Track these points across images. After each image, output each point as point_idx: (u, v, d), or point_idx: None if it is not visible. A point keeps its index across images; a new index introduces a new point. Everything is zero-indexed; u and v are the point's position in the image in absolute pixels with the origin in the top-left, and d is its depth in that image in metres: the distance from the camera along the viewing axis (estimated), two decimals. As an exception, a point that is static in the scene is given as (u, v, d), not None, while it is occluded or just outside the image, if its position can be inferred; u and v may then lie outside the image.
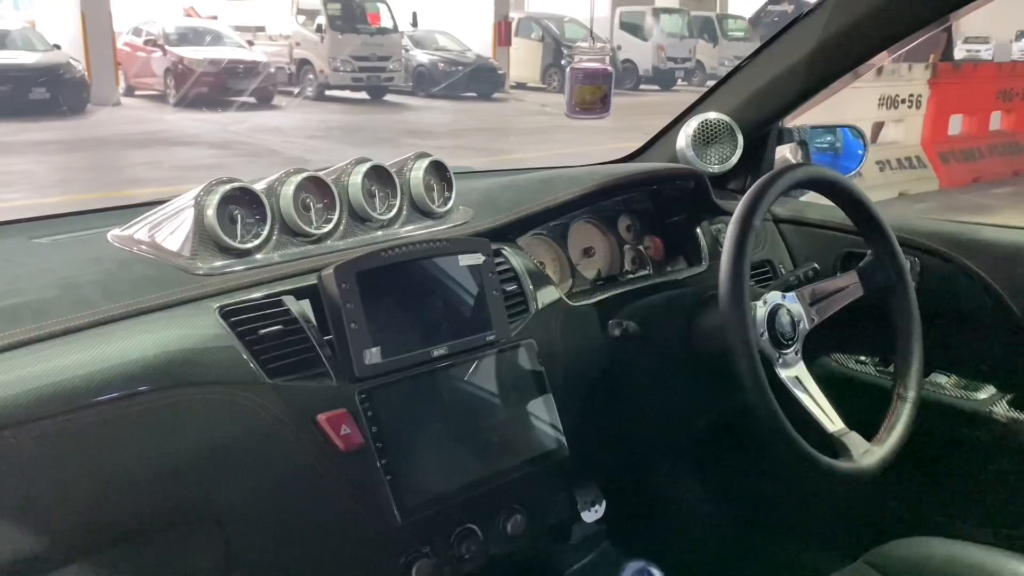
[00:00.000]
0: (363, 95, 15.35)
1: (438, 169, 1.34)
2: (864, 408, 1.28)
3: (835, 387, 1.58)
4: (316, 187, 1.19)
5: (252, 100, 13.44)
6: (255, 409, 0.98)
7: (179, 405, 0.94)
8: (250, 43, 15.18)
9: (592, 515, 1.67)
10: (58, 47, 12.20)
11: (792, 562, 1.76)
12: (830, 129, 1.90)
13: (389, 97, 15.49)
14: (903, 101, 8.00)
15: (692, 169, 1.56)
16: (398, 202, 1.27)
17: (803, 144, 1.79)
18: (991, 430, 1.46)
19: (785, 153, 1.82)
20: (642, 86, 19.14)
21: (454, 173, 1.37)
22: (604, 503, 1.64)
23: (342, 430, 1.02)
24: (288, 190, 1.15)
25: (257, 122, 11.93)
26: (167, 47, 13.54)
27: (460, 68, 16.18)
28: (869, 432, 1.26)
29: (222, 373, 0.97)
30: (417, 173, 1.30)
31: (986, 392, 1.49)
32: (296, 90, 14.89)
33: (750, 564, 1.79)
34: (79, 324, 0.95)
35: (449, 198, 1.34)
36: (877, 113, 7.95)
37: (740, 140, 1.67)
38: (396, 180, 1.27)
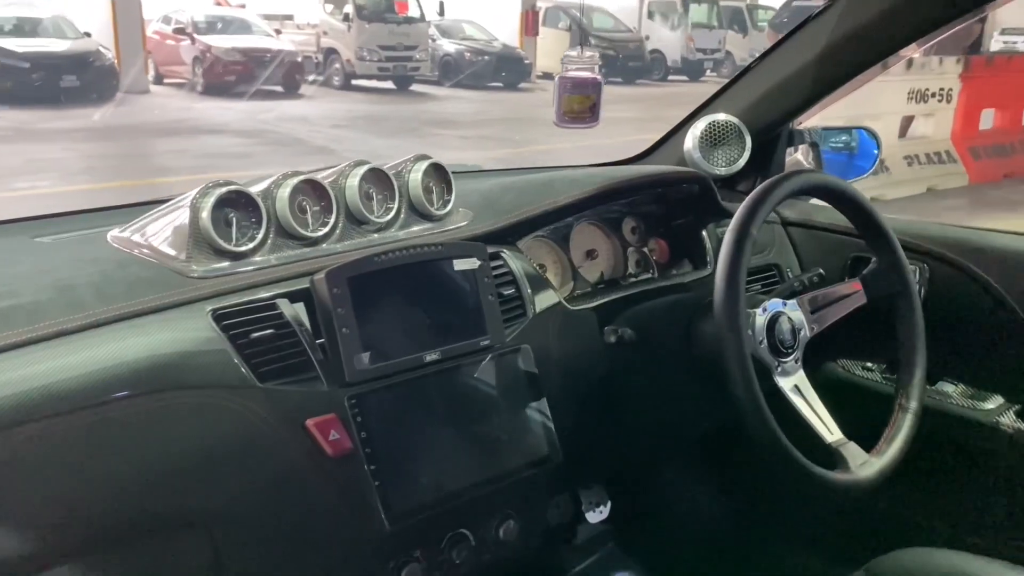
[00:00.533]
0: (389, 84, 15.38)
1: (437, 171, 1.33)
2: (869, 416, 1.26)
3: (840, 394, 1.56)
4: (313, 190, 1.19)
5: (279, 89, 13.53)
6: (245, 413, 0.98)
7: (169, 408, 0.94)
8: (278, 32, 15.26)
9: (597, 516, 1.67)
10: (88, 35, 12.34)
11: (795, 569, 1.74)
12: (844, 130, 1.88)
13: (415, 87, 15.51)
14: (933, 95, 7.87)
15: (696, 173, 1.54)
16: (396, 204, 1.27)
17: (814, 146, 1.77)
18: (997, 440, 1.43)
19: (797, 155, 1.80)
20: (671, 77, 19.02)
21: (454, 173, 1.36)
22: (609, 504, 1.64)
23: (331, 435, 1.02)
24: (284, 193, 1.15)
25: (284, 111, 12.00)
26: (195, 35, 13.65)
27: (486, 58, 16.16)
28: (873, 440, 1.24)
29: (213, 377, 0.98)
30: (416, 175, 1.30)
31: (993, 402, 1.47)
32: (313, 77, 14.88)
33: (753, 569, 1.78)
34: (71, 327, 0.96)
35: (448, 201, 1.33)
36: (906, 107, 7.84)
37: (748, 142, 1.65)
38: (394, 183, 1.27)
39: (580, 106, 1.44)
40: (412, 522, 1.09)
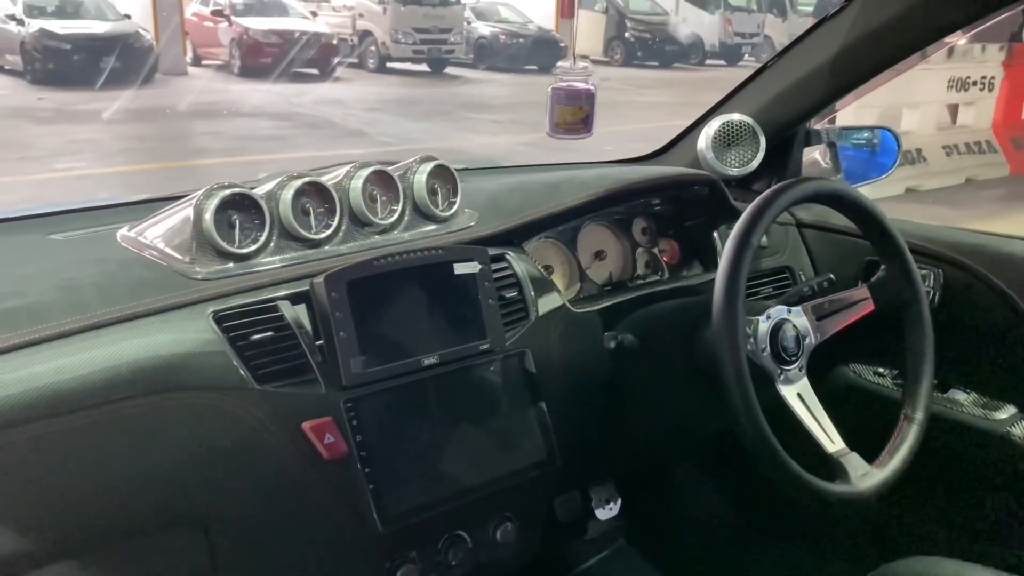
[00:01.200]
0: (424, 67, 15.37)
1: (443, 172, 1.32)
2: (877, 423, 1.25)
3: (850, 400, 1.54)
4: (317, 192, 1.20)
5: (314, 71, 13.58)
6: (242, 415, 1.00)
7: (167, 410, 0.96)
8: (314, 14, 15.30)
9: (606, 513, 1.67)
10: (128, 17, 12.48)
11: (802, 571, 1.73)
12: (863, 128, 1.85)
13: (449, 69, 15.46)
14: (974, 83, 7.70)
15: (705, 175, 1.53)
16: (400, 206, 1.27)
17: (832, 146, 1.74)
18: (1008, 450, 1.41)
19: (815, 155, 1.77)
20: (708, 61, 18.78)
21: (463, 170, 1.36)
22: (619, 501, 1.64)
23: (326, 438, 1.03)
24: (287, 195, 1.16)
25: (319, 94, 12.04)
26: (233, 17, 13.72)
27: (521, 41, 16.07)
28: (880, 448, 1.22)
29: (211, 379, 0.99)
30: (421, 177, 1.29)
31: (1005, 412, 1.44)
32: (343, 59, 14.86)
33: (761, 569, 1.77)
34: (73, 328, 0.97)
35: (454, 203, 1.32)
36: (946, 96, 7.68)
37: (762, 143, 1.63)
38: (399, 184, 1.27)
39: (573, 117, 1.43)
40: (407, 524, 1.10)
